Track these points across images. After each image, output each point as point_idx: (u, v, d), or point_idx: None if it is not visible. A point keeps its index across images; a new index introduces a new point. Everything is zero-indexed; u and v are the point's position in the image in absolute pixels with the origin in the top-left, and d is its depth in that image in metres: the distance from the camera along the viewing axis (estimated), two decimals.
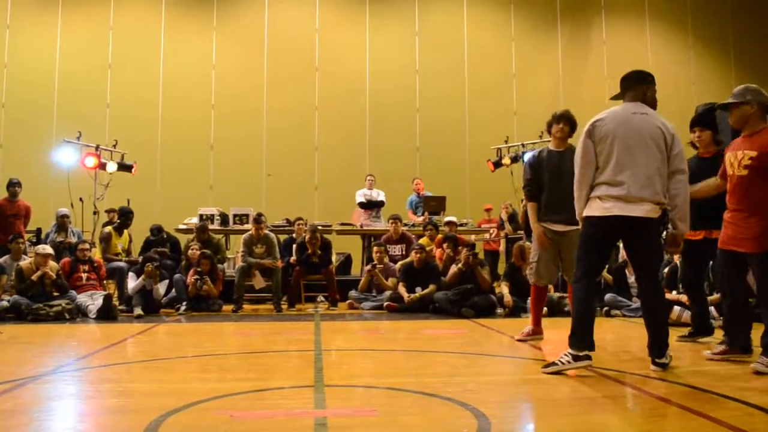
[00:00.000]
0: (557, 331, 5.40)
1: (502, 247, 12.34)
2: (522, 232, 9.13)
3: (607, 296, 7.73)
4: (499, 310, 7.84)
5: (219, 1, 14.43)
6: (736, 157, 4.15)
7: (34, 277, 7.51)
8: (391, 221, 9.59)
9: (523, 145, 11.58)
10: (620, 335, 6.13)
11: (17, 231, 8.84)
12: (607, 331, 6.23)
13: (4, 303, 7.41)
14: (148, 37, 14.19)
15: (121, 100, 13.85)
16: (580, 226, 4.16)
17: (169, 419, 2.90)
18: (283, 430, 2.83)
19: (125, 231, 9.23)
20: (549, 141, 5.60)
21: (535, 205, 5.40)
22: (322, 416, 2.97)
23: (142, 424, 2.79)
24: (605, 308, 7.67)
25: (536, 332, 5.51)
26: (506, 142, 11.85)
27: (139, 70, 14.05)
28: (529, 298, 5.70)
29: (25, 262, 7.85)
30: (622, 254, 8.49)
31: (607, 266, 8.40)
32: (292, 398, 3.44)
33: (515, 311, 7.61)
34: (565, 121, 5.32)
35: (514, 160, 11.39)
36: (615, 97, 4.28)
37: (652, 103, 4.12)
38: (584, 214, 4.05)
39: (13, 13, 13.91)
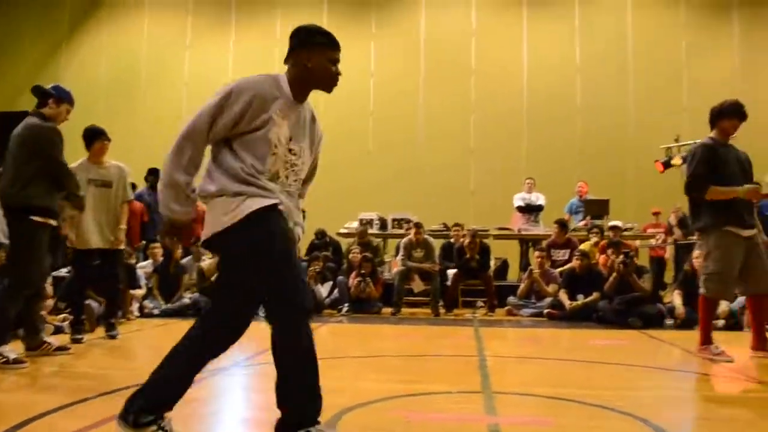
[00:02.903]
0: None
1: (668, 254, 11.57)
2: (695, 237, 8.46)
3: None
4: (669, 321, 7.38)
5: (377, 8, 14.75)
6: None
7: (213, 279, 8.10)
8: (556, 225, 9.36)
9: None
10: None
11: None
12: None
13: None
14: None
15: None
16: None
17: (346, 417, 2.98)
18: None
19: None
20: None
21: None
22: (494, 423, 2.93)
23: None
24: None
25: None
26: (676, 140, 11.06)
27: None
28: (700, 310, 5.05)
29: (206, 263, 8.48)
30: None
31: None
32: (463, 403, 3.43)
33: (687, 323, 7.11)
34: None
35: (686, 160, 10.59)
36: None
37: None
38: None
39: (192, 34, 15.21)
